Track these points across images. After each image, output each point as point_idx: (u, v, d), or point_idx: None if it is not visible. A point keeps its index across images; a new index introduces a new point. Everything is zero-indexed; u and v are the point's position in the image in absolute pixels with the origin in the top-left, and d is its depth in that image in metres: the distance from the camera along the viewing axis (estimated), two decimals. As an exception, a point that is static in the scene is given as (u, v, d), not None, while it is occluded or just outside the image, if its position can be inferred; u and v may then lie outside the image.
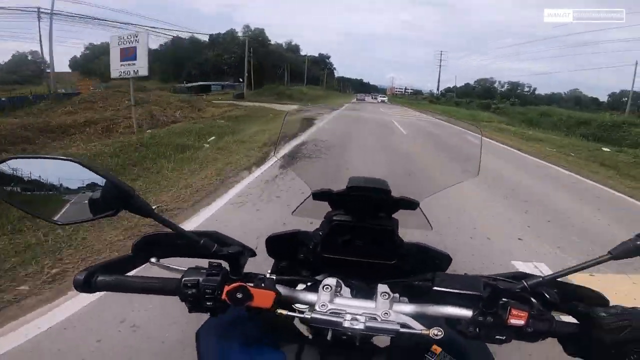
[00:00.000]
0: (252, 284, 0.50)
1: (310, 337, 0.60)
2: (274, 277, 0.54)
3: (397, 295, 0.56)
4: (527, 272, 0.55)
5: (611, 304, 0.52)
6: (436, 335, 0.46)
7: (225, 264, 0.52)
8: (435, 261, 0.71)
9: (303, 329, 0.61)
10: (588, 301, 0.53)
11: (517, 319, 0.46)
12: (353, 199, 0.67)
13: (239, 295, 0.48)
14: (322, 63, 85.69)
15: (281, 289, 0.53)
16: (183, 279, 0.49)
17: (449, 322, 0.50)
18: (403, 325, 0.48)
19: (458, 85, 77.49)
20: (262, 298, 0.49)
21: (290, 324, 0.60)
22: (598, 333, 0.45)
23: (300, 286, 0.63)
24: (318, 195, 0.70)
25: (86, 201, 0.48)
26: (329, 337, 0.50)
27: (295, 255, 0.72)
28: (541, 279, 0.49)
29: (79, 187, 0.49)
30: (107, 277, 0.52)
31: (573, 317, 0.50)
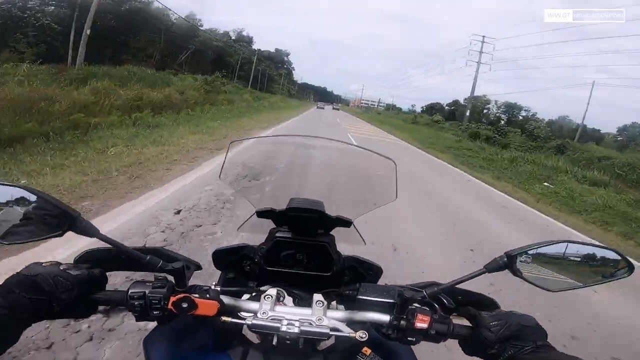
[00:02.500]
0: (197, 295, 0.53)
1: (256, 342, 0.64)
2: (219, 289, 0.57)
3: (334, 303, 0.66)
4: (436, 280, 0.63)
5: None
6: (361, 337, 0.52)
7: (170, 278, 0.55)
8: (369, 272, 0.79)
9: (251, 336, 0.64)
10: (479, 305, 0.60)
11: (422, 323, 0.53)
12: (292, 218, 0.75)
13: (184, 305, 0.52)
14: (278, 61, 67.27)
15: (226, 299, 0.57)
16: (129, 291, 0.52)
17: (375, 327, 0.57)
18: (334, 329, 0.53)
19: (444, 102, 64.89)
20: (206, 307, 0.53)
21: (239, 332, 0.63)
22: (484, 332, 0.52)
23: (245, 296, 0.66)
24: (262, 214, 0.77)
25: (32, 223, 0.50)
26: (274, 342, 0.54)
27: (241, 268, 0.78)
28: (436, 288, 0.58)
29: (25, 212, 0.50)
30: None
31: (467, 320, 0.57)
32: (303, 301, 0.67)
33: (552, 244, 0.58)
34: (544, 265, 0.58)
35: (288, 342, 0.54)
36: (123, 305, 0.53)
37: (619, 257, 0.59)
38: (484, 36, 28.77)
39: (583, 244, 0.60)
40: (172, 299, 0.52)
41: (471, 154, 13.94)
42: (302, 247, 0.75)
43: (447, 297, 0.61)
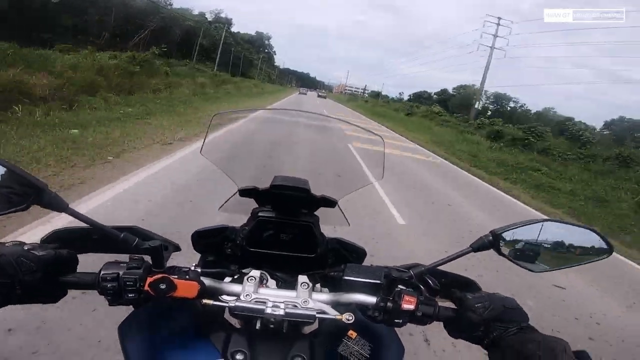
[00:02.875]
0: (176, 276, 0.51)
1: (239, 327, 0.62)
2: (199, 270, 0.55)
3: (318, 285, 0.64)
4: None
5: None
6: (348, 320, 0.51)
7: (148, 259, 0.52)
8: (353, 254, 0.78)
9: (234, 322, 0.62)
10: (461, 287, 0.61)
11: (409, 304, 0.52)
12: (276, 197, 0.72)
13: (162, 287, 0.49)
14: (259, 45, 64.05)
15: (207, 281, 0.54)
16: (102, 273, 0.49)
17: (361, 309, 0.56)
18: (319, 312, 0.52)
19: (432, 91, 60.16)
20: (186, 289, 0.50)
21: (220, 316, 0.60)
22: (469, 314, 0.52)
23: (227, 279, 0.65)
24: (244, 192, 0.74)
25: None
26: (257, 327, 0.53)
27: (222, 250, 0.74)
28: (423, 268, 0.57)
29: None
30: None
31: (452, 302, 0.57)
32: (287, 284, 0.66)
33: (534, 223, 0.58)
34: (526, 244, 0.58)
35: (272, 326, 0.53)
36: (94, 288, 0.50)
37: (599, 238, 0.60)
38: (499, 18, 25.15)
39: (564, 223, 0.61)
40: (149, 279, 0.49)
41: (543, 178, 9.42)
42: (286, 228, 0.73)
43: (432, 278, 0.60)
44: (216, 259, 0.75)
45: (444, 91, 58.12)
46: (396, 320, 0.53)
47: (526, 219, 0.58)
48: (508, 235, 0.56)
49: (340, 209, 0.77)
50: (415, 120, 25.26)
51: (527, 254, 0.59)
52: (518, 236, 0.57)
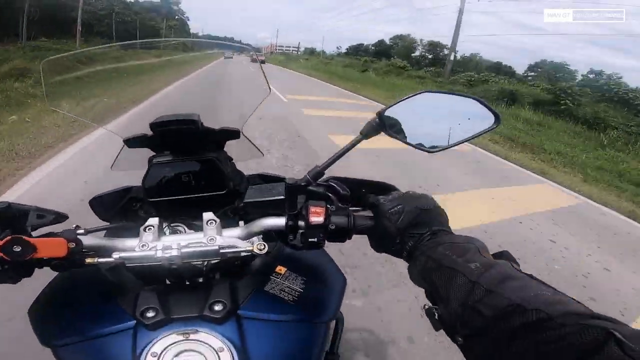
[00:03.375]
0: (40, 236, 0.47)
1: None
2: (82, 230, 0.50)
3: (242, 223, 0.58)
4: None
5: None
6: (260, 250, 0.47)
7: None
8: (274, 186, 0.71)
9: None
10: (378, 193, 0.53)
11: (317, 216, 0.47)
12: (168, 138, 0.64)
13: (17, 249, 0.44)
14: (167, 11, 54.43)
15: (91, 239, 0.50)
16: None
17: (279, 236, 0.51)
18: (225, 247, 0.47)
19: (368, 43, 55.59)
20: (50, 247, 0.45)
21: (131, 278, 0.55)
22: (384, 222, 0.46)
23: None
24: (132, 142, 0.65)
25: None
26: (169, 282, 0.50)
27: (133, 213, 0.69)
28: (318, 168, 0.52)
29: None
30: None
31: (369, 210, 0.51)
32: (200, 228, 0.60)
33: (415, 95, 0.55)
34: (414, 122, 0.56)
35: (190, 280, 0.49)
36: None
37: (484, 107, 0.59)
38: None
39: (445, 93, 0.60)
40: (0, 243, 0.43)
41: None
42: (187, 168, 0.65)
43: (340, 183, 0.56)
44: (127, 225, 0.67)
45: (381, 42, 54.59)
46: (311, 240, 0.48)
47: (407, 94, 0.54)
48: (393, 114, 0.53)
49: (247, 138, 0.71)
50: (380, 79, 20.28)
51: (417, 133, 0.57)
52: (400, 113, 0.54)
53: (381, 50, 49.98)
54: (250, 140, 0.73)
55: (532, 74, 38.93)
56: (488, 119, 0.59)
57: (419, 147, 0.56)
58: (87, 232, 0.51)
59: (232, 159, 0.71)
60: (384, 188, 0.59)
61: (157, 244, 0.48)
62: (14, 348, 1.31)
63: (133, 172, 0.70)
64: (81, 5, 26.82)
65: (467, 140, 0.61)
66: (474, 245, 0.41)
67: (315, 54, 62.42)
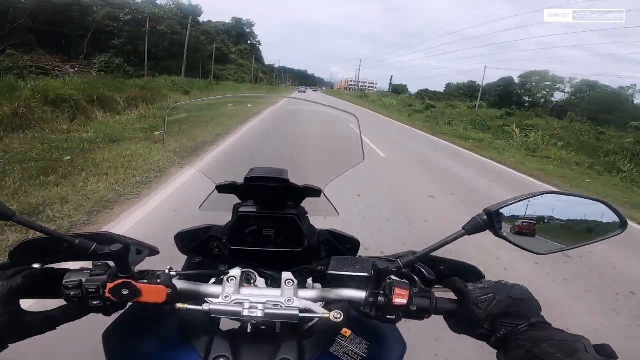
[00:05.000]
0: (145, 281, 0.49)
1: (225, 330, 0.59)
2: (174, 273, 0.52)
3: (310, 282, 0.61)
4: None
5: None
6: (336, 318, 0.48)
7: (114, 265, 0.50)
8: (346, 246, 0.73)
9: (228, 325, 0.59)
10: (462, 275, 0.55)
11: (400, 298, 0.48)
12: (255, 190, 0.69)
13: (125, 292, 0.47)
14: (237, 34, 50.69)
15: (184, 284, 0.52)
16: (64, 281, 0.48)
17: (353, 305, 0.52)
18: (305, 311, 0.49)
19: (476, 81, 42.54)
20: (152, 293, 0.48)
21: (207, 321, 0.57)
22: (471, 308, 0.47)
23: (213, 280, 0.62)
24: (223, 188, 0.71)
25: None
26: (249, 330, 0.51)
27: (209, 251, 0.72)
28: (412, 256, 0.50)
29: None
30: None
31: (453, 293, 0.52)
32: (276, 282, 0.63)
33: (536, 196, 0.51)
34: (527, 222, 0.52)
35: (263, 327, 0.50)
36: (60, 297, 0.49)
37: (610, 211, 0.53)
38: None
39: (570, 194, 0.54)
40: (109, 285, 0.47)
41: None
42: (269, 222, 0.70)
43: (427, 267, 0.57)
44: (203, 260, 0.72)
45: (507, 80, 39.90)
46: (389, 317, 0.49)
47: (527, 192, 0.51)
48: (505, 213, 0.49)
49: (326, 197, 0.73)
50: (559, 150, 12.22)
51: (529, 234, 0.52)
52: (516, 212, 0.50)
53: (504, 93, 37.05)
54: (329, 200, 0.75)
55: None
56: (613, 225, 0.53)
57: (529, 249, 0.52)
58: (179, 275, 0.54)
59: (307, 213, 0.74)
60: (470, 272, 0.60)
61: (238, 297, 0.50)
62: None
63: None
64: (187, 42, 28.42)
65: (584, 245, 0.56)
66: (581, 344, 0.39)
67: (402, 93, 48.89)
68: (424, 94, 44.39)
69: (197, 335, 0.54)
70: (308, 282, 0.61)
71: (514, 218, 0.50)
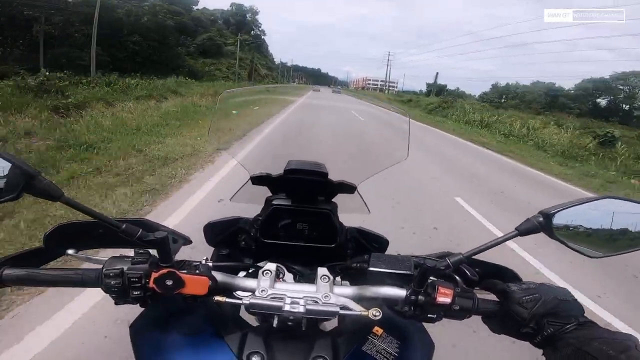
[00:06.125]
0: (185, 271, 0.47)
1: (255, 325, 0.59)
2: (211, 264, 0.51)
3: (338, 278, 0.61)
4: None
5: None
6: (375, 315, 0.47)
7: (154, 252, 0.49)
8: (374, 244, 0.73)
9: (250, 318, 0.59)
10: (502, 278, 0.55)
11: (444, 297, 0.47)
12: (291, 183, 0.67)
13: (169, 283, 0.45)
14: (236, 22, 39.95)
15: (219, 276, 0.51)
16: (104, 269, 0.46)
17: (388, 304, 0.51)
18: (343, 307, 0.48)
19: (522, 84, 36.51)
20: (195, 285, 0.47)
21: (236, 314, 0.57)
22: (515, 308, 0.47)
23: (242, 273, 0.61)
24: (257, 180, 0.69)
25: None
26: (274, 324, 0.50)
27: (236, 243, 0.71)
28: (461, 255, 0.50)
29: None
30: (16, 270, 0.49)
31: (493, 294, 0.52)
32: (305, 277, 0.62)
33: (594, 201, 0.50)
34: (582, 226, 0.50)
35: (290, 323, 0.50)
36: (98, 286, 0.47)
37: None
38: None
39: (630, 200, 0.52)
40: (154, 275, 0.45)
41: None
42: (303, 216, 0.68)
43: (470, 268, 0.56)
44: (230, 252, 0.71)
45: (587, 86, 28.10)
46: (430, 315, 0.49)
47: (582, 197, 0.50)
48: (560, 215, 0.48)
49: (359, 194, 0.72)
50: None
51: (583, 237, 0.51)
52: (572, 216, 0.49)
53: (579, 95, 27.15)
54: (362, 198, 0.74)
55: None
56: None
57: (580, 250, 0.51)
58: (215, 267, 0.52)
59: (337, 207, 0.72)
60: (507, 274, 0.60)
61: (273, 291, 0.49)
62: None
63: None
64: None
65: (637, 250, 0.53)
66: (632, 342, 0.40)
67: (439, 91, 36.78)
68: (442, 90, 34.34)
69: (229, 329, 0.53)
70: (337, 279, 0.60)
71: (568, 222, 0.49)
